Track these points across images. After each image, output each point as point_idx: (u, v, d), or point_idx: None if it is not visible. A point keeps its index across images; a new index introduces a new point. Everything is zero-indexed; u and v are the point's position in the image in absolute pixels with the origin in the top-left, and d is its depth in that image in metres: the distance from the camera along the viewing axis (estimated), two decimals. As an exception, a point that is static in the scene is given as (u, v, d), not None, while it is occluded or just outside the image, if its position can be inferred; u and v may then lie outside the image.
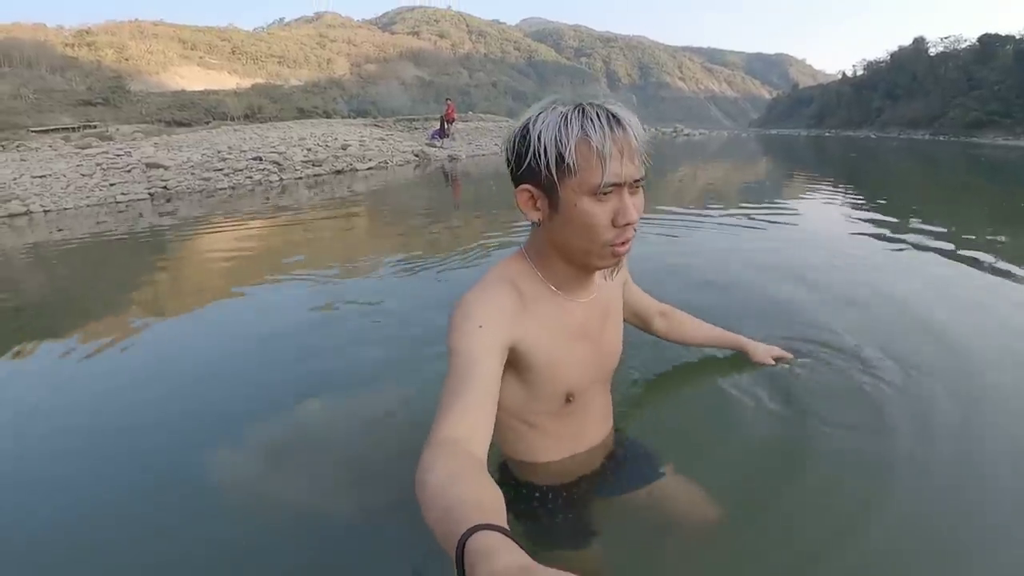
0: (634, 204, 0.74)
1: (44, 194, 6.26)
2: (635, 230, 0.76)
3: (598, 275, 0.87)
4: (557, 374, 0.82)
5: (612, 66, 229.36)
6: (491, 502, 0.49)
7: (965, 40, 63.48)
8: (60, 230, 4.57)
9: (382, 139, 11.38)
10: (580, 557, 0.88)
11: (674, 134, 45.81)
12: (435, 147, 11.77)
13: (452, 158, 10.61)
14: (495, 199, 5.71)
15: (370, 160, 8.82)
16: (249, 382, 1.54)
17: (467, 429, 0.61)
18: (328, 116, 31.24)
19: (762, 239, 3.16)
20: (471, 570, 0.40)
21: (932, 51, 68.74)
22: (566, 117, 0.69)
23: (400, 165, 9.34)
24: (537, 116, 0.72)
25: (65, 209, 5.81)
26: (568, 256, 0.79)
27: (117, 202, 6.07)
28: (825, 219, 4.08)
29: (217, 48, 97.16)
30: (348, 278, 2.60)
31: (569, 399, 0.85)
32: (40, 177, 7.00)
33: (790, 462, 1.05)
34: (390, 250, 3.19)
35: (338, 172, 8.13)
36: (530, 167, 0.72)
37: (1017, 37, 53.22)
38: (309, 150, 8.88)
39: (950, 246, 2.82)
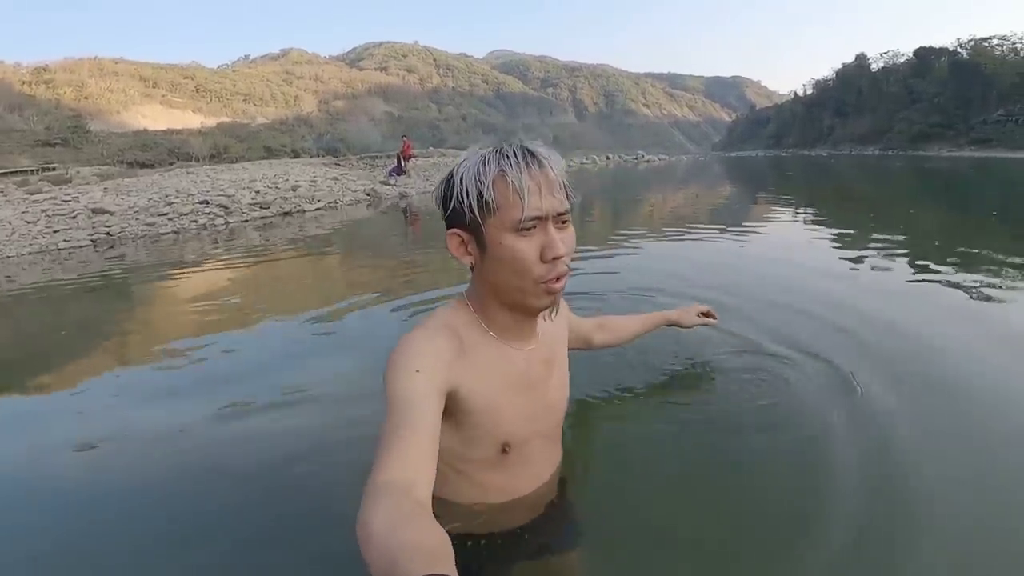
0: (562, 239, 0.74)
1: (-14, 243, 6.36)
2: (568, 267, 0.76)
3: (540, 323, 0.88)
4: (494, 422, 0.80)
5: (578, 95, 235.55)
6: (438, 547, 0.48)
7: (903, 54, 66.53)
8: (8, 278, 4.72)
9: (335, 179, 11.71)
10: None
11: (635, 161, 47.42)
12: (388, 185, 12.18)
13: (403, 195, 11.00)
14: (436, 236, 6.09)
15: (319, 201, 9.11)
16: (211, 430, 1.48)
17: (409, 472, 0.60)
18: (296, 155, 31.26)
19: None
20: None
21: (874, 67, 71.27)
22: (484, 158, 0.73)
23: (350, 204, 9.63)
24: (461, 163, 0.75)
25: (7, 257, 5.94)
26: (504, 298, 0.79)
27: (59, 249, 6.22)
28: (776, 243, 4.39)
29: (180, 86, 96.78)
30: (297, 321, 2.56)
31: (505, 449, 0.83)
32: (-16, 225, 7.09)
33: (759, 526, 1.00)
34: (336, 295, 3.21)
35: (286, 214, 8.39)
36: (455, 210, 0.75)
37: (950, 49, 55.70)
38: (258, 192, 9.15)
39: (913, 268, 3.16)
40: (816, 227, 4.82)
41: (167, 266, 4.83)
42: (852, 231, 4.76)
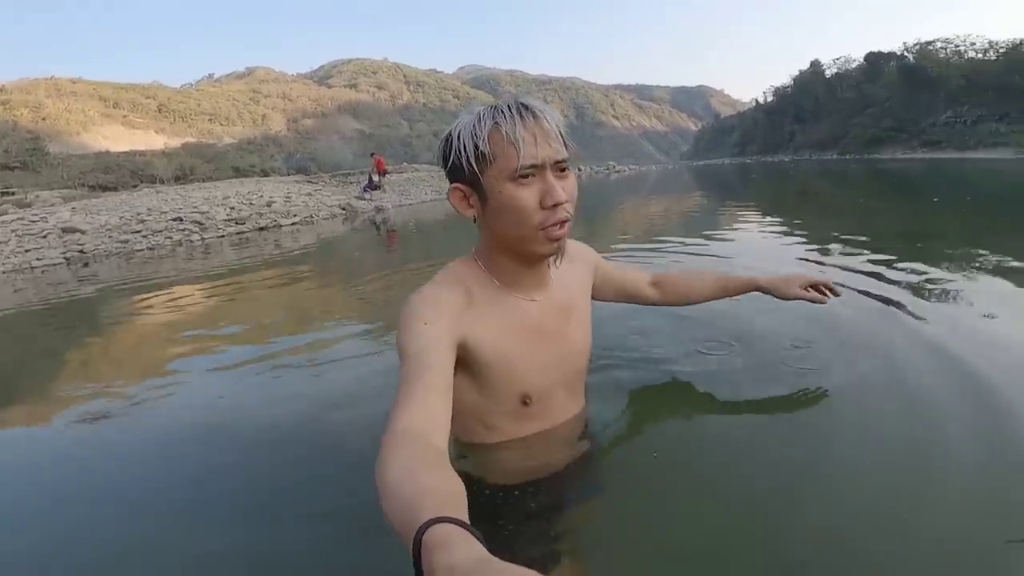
0: (562, 186, 0.76)
1: (-44, 264, 6.26)
2: (569, 213, 0.77)
3: (556, 273, 0.90)
4: (510, 374, 0.82)
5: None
6: (451, 494, 0.48)
7: (854, 60, 67.46)
8: None
9: (309, 194, 11.76)
10: (539, 561, 0.81)
11: (607, 171, 48.36)
12: (364, 200, 12.27)
13: (379, 209, 11.10)
14: (417, 243, 6.22)
15: (295, 216, 9.17)
16: (187, 452, 1.41)
17: (424, 419, 0.61)
18: (266, 174, 30.85)
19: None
20: (427, 563, 0.39)
21: (828, 73, 72.26)
22: (480, 115, 0.76)
23: (326, 219, 9.68)
24: (458, 121, 0.78)
25: (-22, 278, 5.86)
26: (508, 247, 0.81)
27: (32, 268, 6.16)
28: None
29: (142, 106, 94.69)
30: (282, 339, 2.47)
31: (526, 401, 0.84)
32: (-49, 248, 6.95)
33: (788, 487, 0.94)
34: (324, 309, 3.19)
35: (262, 229, 8.42)
36: (455, 165, 0.78)
37: (898, 54, 57.27)
38: (232, 208, 9.16)
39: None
40: (786, 230, 5.06)
41: (142, 282, 4.82)
42: (814, 231, 5.05)
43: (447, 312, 0.76)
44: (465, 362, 0.78)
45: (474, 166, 0.75)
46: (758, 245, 3.96)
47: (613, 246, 4.12)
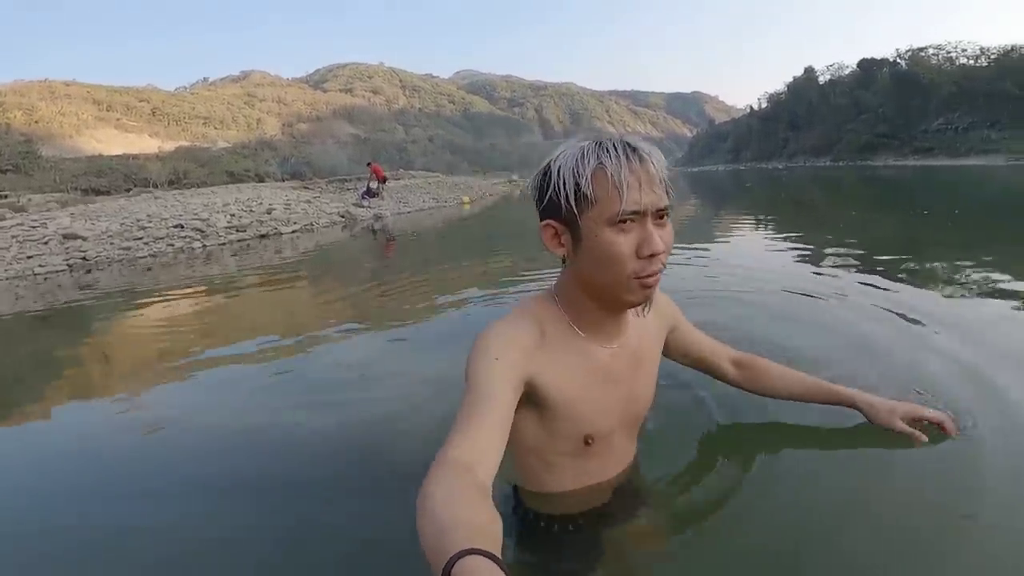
0: (660, 235, 0.74)
1: (-44, 270, 6.24)
2: (664, 264, 0.75)
3: (631, 321, 0.87)
4: (576, 415, 0.81)
5: (544, 114, 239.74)
6: (486, 527, 0.49)
7: (848, 66, 68.29)
8: None
9: (308, 201, 11.78)
10: None
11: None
12: (362, 207, 12.30)
13: (378, 217, 11.14)
14: (414, 251, 6.27)
15: (295, 223, 9.19)
16: (177, 461, 1.44)
17: (475, 452, 0.62)
18: (261, 179, 30.75)
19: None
20: None
21: (821, 79, 72.95)
22: (583, 150, 0.73)
23: (326, 227, 9.72)
24: (559, 154, 0.75)
25: (-19, 283, 5.84)
26: (595, 293, 0.79)
27: (35, 274, 6.15)
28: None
29: (135, 109, 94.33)
30: (292, 347, 2.49)
31: (588, 441, 0.84)
32: (-50, 254, 6.93)
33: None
34: (325, 315, 3.24)
35: (263, 236, 8.44)
36: (552, 201, 0.75)
37: (891, 60, 57.99)
38: (233, 215, 9.17)
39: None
40: (782, 238, 5.16)
41: (144, 289, 4.83)
42: (806, 239, 5.15)
43: (519, 350, 0.75)
44: (532, 400, 0.78)
45: (573, 206, 0.73)
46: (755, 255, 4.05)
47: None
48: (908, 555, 0.86)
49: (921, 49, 55.09)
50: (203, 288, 4.71)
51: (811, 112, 72.07)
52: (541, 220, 0.78)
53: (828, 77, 73.28)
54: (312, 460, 1.39)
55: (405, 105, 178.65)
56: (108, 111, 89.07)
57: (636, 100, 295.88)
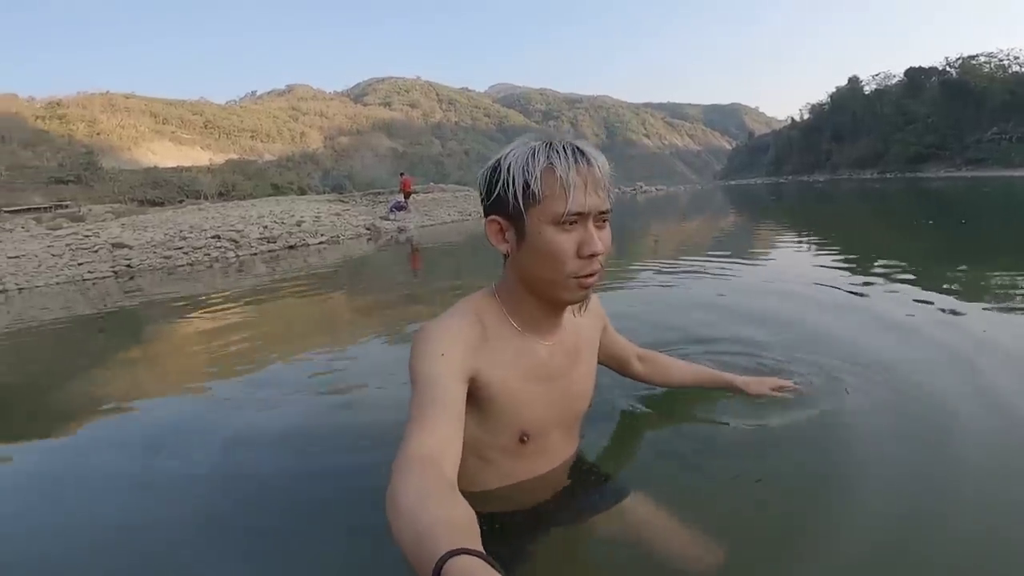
0: (600, 237, 0.76)
1: (18, 273, 6.92)
2: (602, 265, 0.78)
3: (568, 317, 0.89)
4: (512, 412, 0.82)
5: (579, 127, 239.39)
6: (465, 524, 0.49)
7: (894, 75, 66.14)
8: (35, 308, 5.15)
9: (337, 214, 12.37)
10: None
11: (633, 192, 48.35)
12: (388, 220, 12.82)
13: (401, 229, 11.59)
14: (434, 263, 6.57)
15: (322, 235, 9.71)
16: (232, 464, 1.44)
17: (436, 447, 0.62)
18: (303, 192, 31.84)
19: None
20: None
21: (867, 89, 70.78)
22: (534, 150, 0.75)
23: (352, 238, 10.18)
24: (509, 152, 0.77)
25: (37, 287, 6.47)
26: (535, 289, 0.81)
27: (84, 280, 6.76)
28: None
29: (189, 122, 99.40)
30: (326, 351, 2.53)
31: (523, 439, 0.85)
32: (14, 258, 7.68)
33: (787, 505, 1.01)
34: (359, 323, 3.38)
35: (291, 247, 8.96)
36: (499, 197, 0.77)
37: (940, 69, 55.85)
38: (265, 227, 9.77)
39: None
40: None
41: (184, 296, 5.22)
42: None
43: (463, 345, 0.76)
44: (471, 396, 0.78)
45: (520, 203, 0.75)
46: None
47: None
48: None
49: (972, 57, 52.98)
50: (237, 296, 5.01)
51: (856, 123, 69.82)
52: (487, 215, 0.80)
53: (873, 87, 70.95)
54: (351, 461, 1.38)
55: (442, 119, 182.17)
56: (164, 124, 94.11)
57: (673, 112, 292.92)
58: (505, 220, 0.78)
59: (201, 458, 1.46)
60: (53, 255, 7.79)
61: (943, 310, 2.31)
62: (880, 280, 3.08)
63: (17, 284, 6.49)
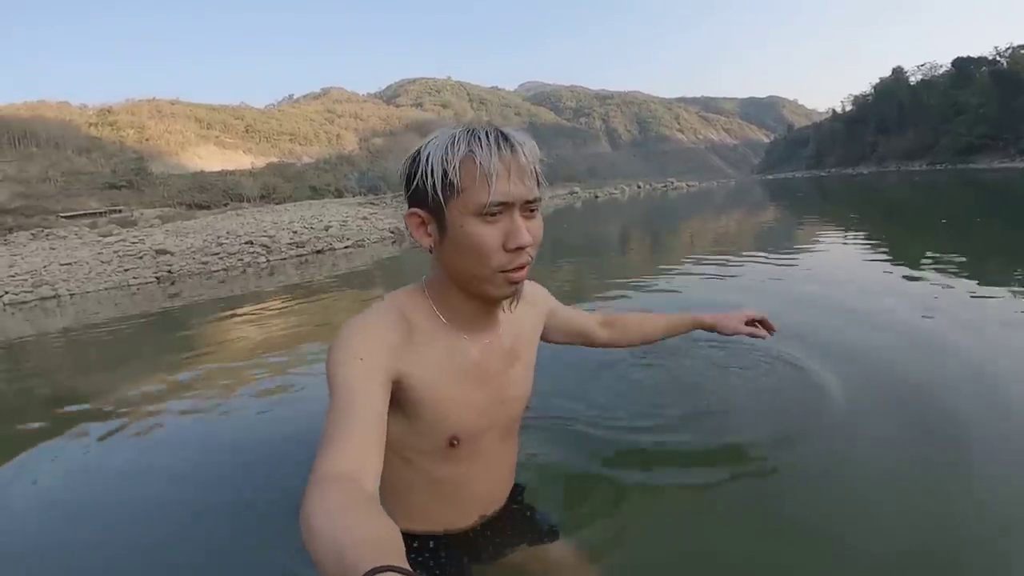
0: (528, 228, 0.72)
1: (70, 279, 7.52)
2: (531, 257, 0.74)
3: (506, 314, 0.86)
4: (442, 414, 0.79)
5: (611, 123, 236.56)
6: (387, 539, 0.47)
7: (941, 66, 64.63)
8: (82, 313, 5.60)
9: (364, 218, 12.79)
10: None
11: (664, 188, 47.70)
12: (414, 222, 13.15)
13: (425, 232, 11.90)
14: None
15: (347, 239, 10.11)
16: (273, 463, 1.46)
17: (353, 462, 0.59)
18: (340, 194, 32.62)
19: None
20: None
21: (912, 80, 69.55)
22: (454, 137, 0.70)
23: (376, 242, 10.53)
24: (429, 140, 0.72)
25: (87, 292, 7.04)
26: (462, 285, 0.76)
27: (129, 285, 7.29)
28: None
29: (232, 127, 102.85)
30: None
31: (453, 443, 0.81)
32: (66, 264, 8.34)
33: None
34: None
35: (319, 252, 9.37)
36: (418, 189, 0.72)
37: (989, 59, 54.46)
38: (295, 232, 10.24)
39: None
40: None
41: (222, 300, 5.59)
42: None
43: (384, 347, 0.72)
44: (395, 398, 0.75)
45: (439, 194, 0.70)
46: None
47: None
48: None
49: (1022, 46, 50.73)
50: (270, 299, 5.25)
51: (902, 114, 67.77)
52: (409, 207, 0.76)
53: (920, 77, 68.65)
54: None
55: (473, 118, 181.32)
56: (208, 129, 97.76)
57: (707, 107, 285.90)
58: (426, 213, 0.73)
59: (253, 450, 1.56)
60: (102, 262, 8.41)
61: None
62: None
63: (69, 290, 7.07)
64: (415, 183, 0.72)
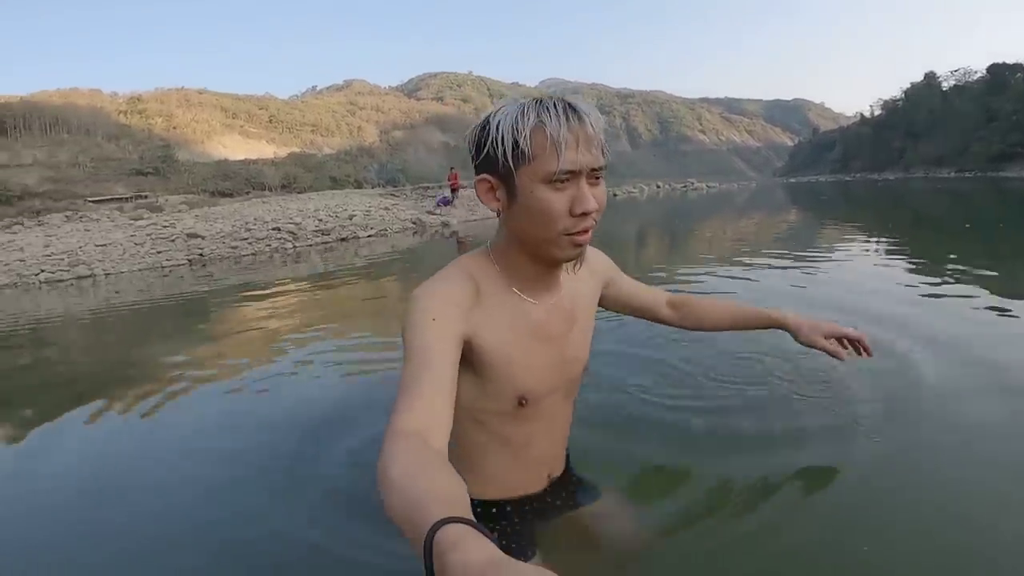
0: (593, 194, 0.75)
1: (105, 260, 7.78)
2: (596, 222, 0.77)
3: (565, 278, 0.89)
4: (511, 374, 0.82)
5: (632, 122, 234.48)
6: (456, 495, 0.49)
7: (975, 71, 62.59)
8: (117, 292, 5.80)
9: (387, 208, 12.96)
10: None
11: (684, 189, 47.32)
12: (434, 215, 13.31)
13: (445, 224, 12.04)
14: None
15: (371, 228, 10.27)
16: (289, 443, 1.55)
17: (426, 420, 0.62)
18: (359, 185, 32.80)
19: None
20: (441, 564, 0.39)
21: (945, 85, 67.80)
22: (524, 107, 0.73)
23: (398, 232, 10.71)
24: (499, 110, 0.75)
25: (121, 272, 7.27)
26: (528, 248, 0.80)
27: (162, 267, 7.52)
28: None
29: (256, 117, 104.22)
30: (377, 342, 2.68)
31: (522, 402, 0.85)
32: (101, 246, 8.60)
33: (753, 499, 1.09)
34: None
35: (343, 239, 9.55)
36: (488, 156, 0.75)
37: None
38: (320, 220, 10.44)
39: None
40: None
41: (252, 283, 5.74)
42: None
43: (456, 308, 0.76)
44: (467, 359, 0.78)
45: (509, 162, 0.74)
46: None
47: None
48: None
49: (1061, 52, 49.13)
50: (298, 284, 5.44)
51: (932, 120, 65.99)
52: (477, 174, 0.79)
53: (952, 83, 66.84)
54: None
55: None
56: (233, 118, 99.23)
57: (730, 108, 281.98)
58: (496, 179, 0.77)
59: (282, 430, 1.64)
60: (136, 244, 8.67)
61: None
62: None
63: (104, 270, 7.32)
64: (485, 151, 0.76)
